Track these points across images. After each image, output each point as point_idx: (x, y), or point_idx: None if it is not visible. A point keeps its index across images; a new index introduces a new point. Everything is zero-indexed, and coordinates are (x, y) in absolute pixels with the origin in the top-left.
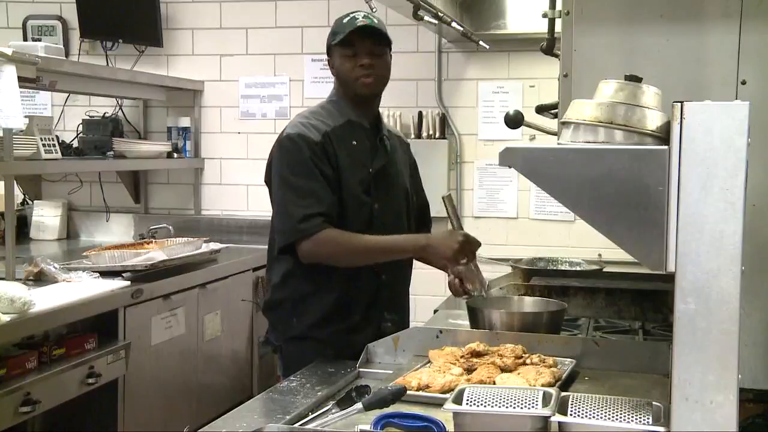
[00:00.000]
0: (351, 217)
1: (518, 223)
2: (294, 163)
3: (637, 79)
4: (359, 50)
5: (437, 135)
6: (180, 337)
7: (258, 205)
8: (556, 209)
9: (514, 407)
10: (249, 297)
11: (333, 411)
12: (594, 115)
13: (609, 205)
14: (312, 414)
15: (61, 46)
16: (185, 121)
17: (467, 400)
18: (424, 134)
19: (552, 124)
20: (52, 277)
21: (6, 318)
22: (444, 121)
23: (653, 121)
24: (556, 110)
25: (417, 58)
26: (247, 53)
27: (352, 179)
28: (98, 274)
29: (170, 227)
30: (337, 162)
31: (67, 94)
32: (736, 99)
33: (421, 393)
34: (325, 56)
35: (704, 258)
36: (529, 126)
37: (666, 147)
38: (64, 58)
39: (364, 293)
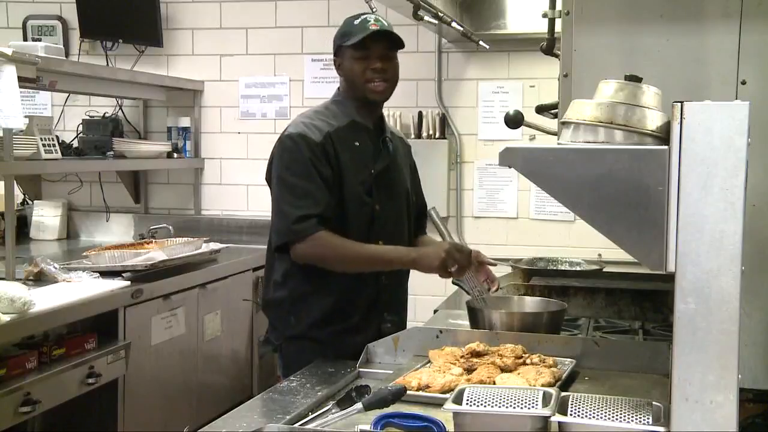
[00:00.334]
0: (352, 218)
1: (518, 223)
2: (293, 162)
3: (637, 79)
4: (372, 54)
5: (437, 135)
6: (180, 337)
7: (258, 205)
8: (556, 209)
9: (514, 407)
10: (249, 297)
11: (333, 411)
12: (594, 115)
13: (609, 205)
14: (312, 414)
15: (61, 46)
16: (185, 121)
17: (467, 400)
18: (424, 134)
19: (552, 124)
20: (52, 277)
21: (6, 318)
22: (444, 121)
23: (653, 121)
24: (556, 110)
25: (417, 58)
26: (247, 53)
27: (354, 180)
28: (98, 274)
29: (170, 227)
30: (339, 163)
31: (67, 94)
32: (736, 99)
33: (421, 393)
34: (325, 56)
35: (704, 258)
36: (529, 126)
37: (666, 147)
38: (64, 58)
39: (365, 294)
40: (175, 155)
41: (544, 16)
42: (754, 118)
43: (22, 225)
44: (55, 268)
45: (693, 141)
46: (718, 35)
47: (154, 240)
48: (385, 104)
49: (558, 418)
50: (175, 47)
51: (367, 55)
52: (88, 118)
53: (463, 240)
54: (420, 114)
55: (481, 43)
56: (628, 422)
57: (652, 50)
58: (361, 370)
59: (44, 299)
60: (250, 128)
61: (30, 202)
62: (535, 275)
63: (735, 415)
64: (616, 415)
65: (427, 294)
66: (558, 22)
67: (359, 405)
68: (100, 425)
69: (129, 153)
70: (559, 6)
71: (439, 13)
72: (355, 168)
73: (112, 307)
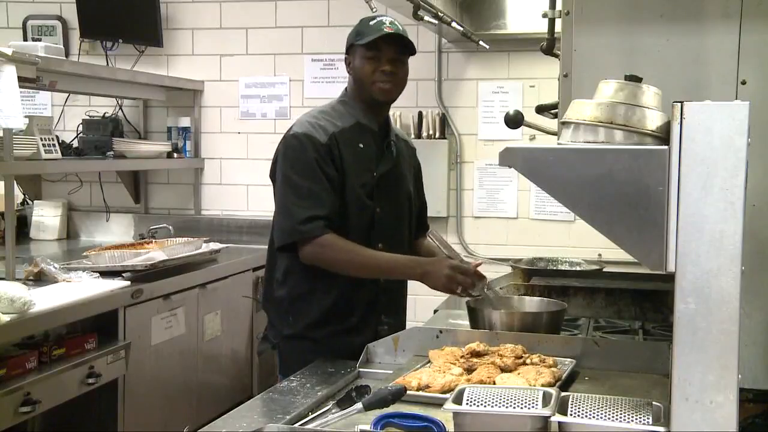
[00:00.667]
0: (352, 220)
1: (518, 223)
2: (298, 163)
3: (637, 79)
4: (383, 55)
5: (437, 135)
6: (180, 337)
7: (258, 205)
8: (556, 209)
9: (514, 407)
10: (249, 296)
11: (333, 411)
12: (594, 115)
13: (609, 205)
14: (312, 414)
15: (61, 46)
16: (185, 121)
17: (467, 400)
18: (424, 134)
19: (552, 124)
20: (52, 277)
21: (6, 318)
22: (444, 121)
23: (653, 121)
24: (556, 110)
25: (417, 58)
26: (247, 53)
27: (356, 182)
28: (98, 274)
29: (170, 227)
30: (342, 164)
31: (67, 94)
32: (736, 99)
33: (421, 393)
34: (325, 55)
35: (704, 258)
36: (529, 126)
37: (666, 147)
38: (64, 58)
39: (363, 296)
40: (175, 155)
41: (544, 16)
42: (754, 118)
43: (22, 225)
44: (55, 268)
45: (693, 141)
46: (718, 35)
47: (154, 240)
48: None
49: (558, 418)
50: (175, 47)
51: (378, 56)
52: (88, 118)
53: (463, 240)
54: (420, 114)
55: (481, 43)
56: (628, 422)
57: (652, 50)
58: (361, 370)
59: (44, 299)
60: (250, 128)
61: (30, 202)
62: (535, 275)
63: (735, 415)
64: (616, 415)
65: (427, 294)
66: (558, 22)
67: (359, 405)
68: (100, 425)
69: (129, 153)
70: (559, 6)
71: (439, 13)
72: (358, 170)
73: (112, 307)
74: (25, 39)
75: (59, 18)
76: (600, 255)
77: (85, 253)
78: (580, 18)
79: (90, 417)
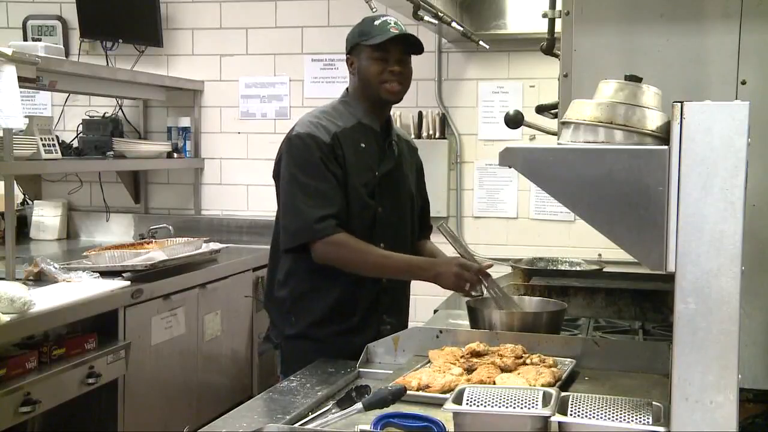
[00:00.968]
0: (354, 220)
1: (518, 223)
2: (304, 163)
3: (637, 79)
4: (391, 56)
5: (437, 135)
6: (180, 337)
7: (258, 205)
8: (556, 209)
9: (514, 407)
10: (250, 295)
11: (333, 411)
12: (594, 115)
13: (609, 205)
14: (312, 414)
15: (61, 46)
16: (185, 121)
17: (467, 400)
18: (424, 134)
19: (552, 124)
20: (52, 277)
21: (6, 318)
22: (444, 121)
23: (653, 121)
24: (556, 110)
25: (417, 58)
26: (247, 53)
27: (358, 182)
28: (98, 274)
29: (170, 227)
30: (345, 163)
31: (67, 94)
32: (736, 99)
33: (421, 393)
34: (325, 55)
35: (704, 258)
36: (529, 126)
37: (666, 147)
38: (64, 58)
39: (365, 296)
40: (175, 155)
41: (544, 16)
42: (754, 118)
43: (22, 225)
44: (55, 268)
45: (693, 141)
46: (718, 35)
47: (154, 240)
48: None
49: (558, 418)
50: (175, 47)
51: (386, 56)
52: (88, 118)
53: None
54: (420, 114)
55: (481, 43)
56: (628, 422)
57: (652, 50)
58: (361, 370)
59: (44, 299)
60: (250, 128)
61: (30, 202)
62: (535, 275)
63: (735, 415)
64: (616, 415)
65: (427, 294)
66: (558, 22)
67: (359, 405)
68: (100, 425)
69: (129, 153)
70: (559, 6)
71: (439, 13)
72: (360, 169)
73: (112, 307)
74: (25, 39)
75: (59, 18)
76: (600, 255)
77: (85, 253)
78: (580, 18)
79: (90, 417)
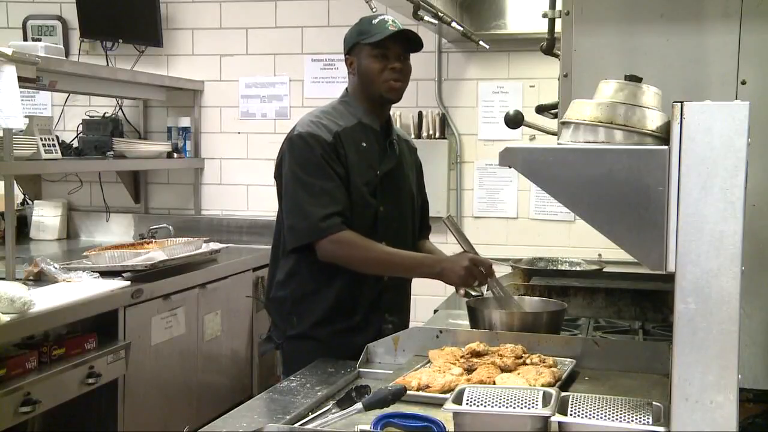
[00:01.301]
0: (356, 219)
1: (518, 223)
2: (307, 162)
3: (637, 79)
4: (391, 54)
5: (437, 135)
6: (180, 337)
7: (258, 205)
8: (556, 209)
9: (514, 407)
10: (250, 295)
11: (333, 411)
12: (594, 115)
13: (609, 205)
14: (312, 414)
15: (61, 46)
16: (185, 121)
17: (467, 400)
18: (424, 134)
19: (552, 124)
20: (52, 277)
21: (6, 318)
22: (444, 121)
23: (653, 121)
24: (556, 110)
25: (417, 58)
26: (247, 53)
27: (359, 181)
28: (98, 274)
29: (170, 227)
30: (346, 162)
31: (67, 94)
32: (736, 99)
33: (421, 393)
34: (325, 55)
35: (704, 258)
36: (529, 126)
37: (666, 147)
38: (64, 58)
39: (367, 294)
40: (175, 155)
41: (544, 16)
42: (754, 118)
43: (22, 225)
44: (55, 268)
45: (693, 141)
46: (718, 35)
47: (154, 240)
48: None
49: (558, 418)
50: (175, 47)
51: (386, 54)
52: (88, 118)
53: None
54: (420, 114)
55: (481, 43)
56: (628, 422)
57: (652, 50)
58: (361, 370)
59: (44, 299)
60: (250, 128)
61: (30, 202)
62: (535, 275)
63: (735, 415)
64: (616, 415)
65: (427, 294)
66: (558, 22)
67: (359, 405)
68: (100, 425)
69: (129, 153)
70: (559, 6)
71: (439, 13)
72: (361, 169)
73: (112, 307)
74: (25, 39)
75: (59, 18)
76: (600, 255)
77: (85, 253)
78: (580, 18)
79: (90, 417)
